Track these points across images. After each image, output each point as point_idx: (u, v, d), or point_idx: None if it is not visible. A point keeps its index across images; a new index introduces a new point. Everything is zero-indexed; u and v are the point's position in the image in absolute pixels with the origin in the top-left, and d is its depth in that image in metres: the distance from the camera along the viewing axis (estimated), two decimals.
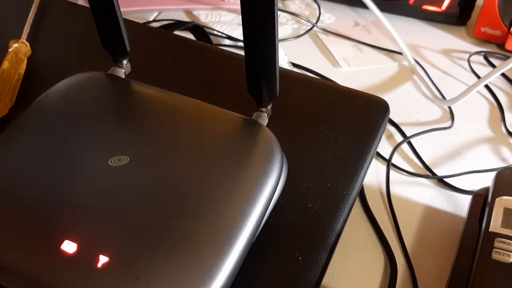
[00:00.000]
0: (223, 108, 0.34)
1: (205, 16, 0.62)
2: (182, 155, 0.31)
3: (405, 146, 0.48)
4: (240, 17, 0.48)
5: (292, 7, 0.66)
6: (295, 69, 0.55)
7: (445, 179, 0.45)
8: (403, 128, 0.49)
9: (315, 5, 0.66)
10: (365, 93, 0.43)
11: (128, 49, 0.37)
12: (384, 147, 0.48)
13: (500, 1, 0.57)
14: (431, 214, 0.42)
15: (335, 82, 0.52)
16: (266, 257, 0.32)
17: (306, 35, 0.61)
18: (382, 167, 0.46)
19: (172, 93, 0.35)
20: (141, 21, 0.59)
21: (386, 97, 0.43)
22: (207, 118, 0.34)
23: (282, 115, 0.40)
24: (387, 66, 0.57)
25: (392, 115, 0.50)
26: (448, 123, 0.51)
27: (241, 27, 0.30)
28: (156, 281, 0.25)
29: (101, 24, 0.36)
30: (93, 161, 0.30)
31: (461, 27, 0.63)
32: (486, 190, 0.39)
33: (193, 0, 0.64)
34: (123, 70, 0.38)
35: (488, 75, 0.49)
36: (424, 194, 0.44)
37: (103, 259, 0.26)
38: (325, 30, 0.62)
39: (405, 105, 0.52)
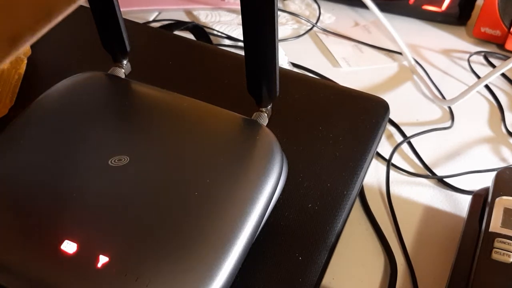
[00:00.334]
0: (223, 108, 0.34)
1: (205, 16, 0.62)
2: (182, 155, 0.31)
3: (405, 146, 0.48)
4: (240, 17, 0.48)
5: (292, 7, 0.66)
6: (295, 69, 0.55)
7: (445, 179, 0.45)
8: (403, 128, 0.49)
9: (315, 5, 0.66)
10: (365, 93, 0.43)
11: (128, 49, 0.37)
12: (384, 147, 0.48)
13: (500, 1, 0.57)
14: (431, 214, 0.42)
15: (335, 82, 0.52)
16: (266, 257, 0.32)
17: (306, 35, 0.61)
18: (382, 167, 0.46)
19: (172, 93, 0.35)
20: (141, 21, 0.59)
21: (386, 97, 0.43)
22: (207, 118, 0.34)
23: (282, 115, 0.40)
24: (387, 66, 0.57)
25: (392, 115, 0.50)
26: (448, 123, 0.51)
27: (241, 27, 0.30)
28: (156, 281, 0.25)
29: (101, 24, 0.36)
30: (93, 161, 0.30)
31: (461, 27, 0.63)
32: (486, 190, 0.39)
33: (193, 0, 0.64)
34: (123, 70, 0.38)
35: (488, 75, 0.49)
36: (424, 194, 0.44)
37: (103, 259, 0.26)
38: (325, 30, 0.62)
39: (405, 105, 0.52)
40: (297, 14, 0.64)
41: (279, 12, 0.57)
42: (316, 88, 0.43)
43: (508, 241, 0.33)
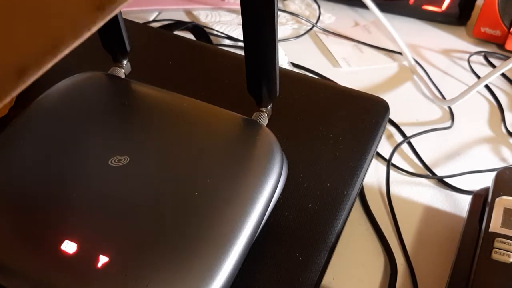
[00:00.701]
0: (223, 108, 0.34)
1: (205, 16, 0.62)
2: (181, 155, 0.31)
3: (405, 146, 0.48)
4: (240, 17, 0.48)
5: (292, 7, 0.66)
6: (295, 69, 0.55)
7: (445, 179, 0.45)
8: (403, 128, 0.49)
9: (315, 5, 0.66)
10: (365, 93, 0.43)
11: (128, 49, 0.37)
12: (384, 147, 0.48)
13: (500, 1, 0.57)
14: (431, 214, 0.42)
15: (335, 82, 0.52)
16: (266, 257, 0.32)
17: (306, 35, 0.61)
18: (382, 167, 0.46)
19: (172, 93, 0.35)
20: (141, 21, 0.59)
21: (386, 97, 0.43)
22: (207, 118, 0.34)
23: (282, 115, 0.40)
24: (387, 66, 0.57)
25: (392, 115, 0.50)
26: (448, 123, 0.51)
27: (241, 27, 0.30)
28: (156, 281, 0.25)
29: None
30: (93, 161, 0.30)
31: (461, 27, 0.63)
32: (486, 190, 0.39)
33: (193, 0, 0.64)
34: (123, 70, 0.38)
35: (488, 75, 0.49)
36: (424, 194, 0.44)
37: (103, 259, 0.26)
38: (325, 30, 0.62)
39: (405, 105, 0.52)
40: (297, 14, 0.64)
41: (279, 12, 0.57)
42: (316, 88, 0.43)
43: (508, 241, 0.33)
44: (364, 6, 0.60)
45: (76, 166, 0.30)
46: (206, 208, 0.28)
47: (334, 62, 0.57)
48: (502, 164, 0.47)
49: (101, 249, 0.26)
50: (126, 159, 0.30)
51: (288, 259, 0.32)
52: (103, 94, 0.36)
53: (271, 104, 0.35)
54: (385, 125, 0.42)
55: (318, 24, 0.63)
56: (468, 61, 0.58)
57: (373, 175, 0.45)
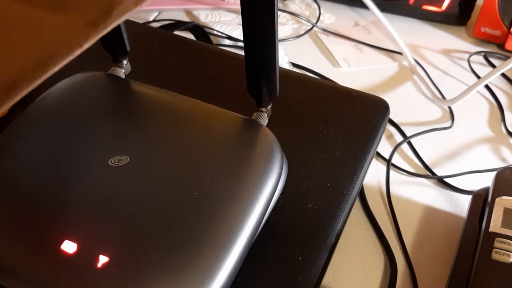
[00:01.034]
0: (223, 108, 0.34)
1: (205, 16, 0.62)
2: (181, 155, 0.31)
3: (405, 146, 0.48)
4: (240, 17, 0.48)
5: (292, 7, 0.66)
6: (295, 69, 0.55)
7: (445, 179, 0.45)
8: (403, 128, 0.49)
9: (315, 5, 0.66)
10: (365, 93, 0.43)
11: (128, 49, 0.37)
12: (384, 147, 0.48)
13: (500, 1, 0.57)
14: (431, 214, 0.42)
15: (335, 82, 0.52)
16: (266, 257, 0.32)
17: (306, 35, 0.61)
18: (382, 167, 0.46)
19: (172, 93, 0.35)
20: (141, 21, 0.59)
21: (386, 97, 0.43)
22: (207, 118, 0.34)
23: (282, 115, 0.40)
24: (387, 66, 0.57)
25: (392, 115, 0.50)
26: (448, 123, 0.51)
27: (241, 27, 0.30)
28: (156, 281, 0.25)
29: None
30: (93, 161, 0.30)
31: (461, 27, 0.63)
32: (486, 190, 0.39)
33: (193, 0, 0.64)
34: (123, 70, 0.38)
35: (488, 75, 0.49)
36: (424, 194, 0.44)
37: (103, 259, 0.26)
38: (325, 30, 0.62)
39: (405, 105, 0.52)
40: (297, 14, 0.64)
41: (279, 12, 0.57)
42: (316, 88, 0.43)
43: (508, 241, 0.33)
44: (364, 6, 0.60)
45: (76, 166, 0.30)
46: (206, 208, 0.28)
47: (334, 62, 0.57)
48: (502, 164, 0.47)
49: (101, 249, 0.26)
50: (126, 159, 0.30)
51: (288, 259, 0.32)
52: (103, 94, 0.36)
53: (271, 104, 0.35)
54: (385, 125, 0.42)
55: (318, 24, 0.63)
56: (468, 61, 0.58)
57: (373, 175, 0.45)
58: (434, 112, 0.52)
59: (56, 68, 0.15)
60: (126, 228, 0.27)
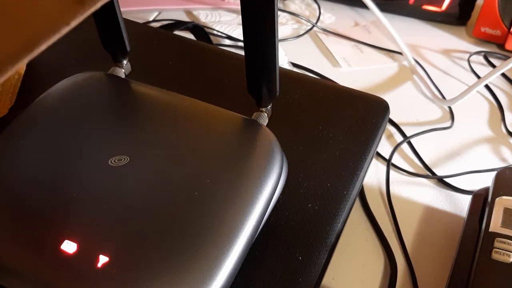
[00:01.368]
0: (223, 108, 0.34)
1: (205, 16, 0.62)
2: (181, 155, 0.31)
3: (405, 146, 0.48)
4: (240, 17, 0.48)
5: (292, 7, 0.66)
6: (295, 69, 0.55)
7: (445, 179, 0.45)
8: (403, 128, 0.49)
9: (315, 5, 0.66)
10: (365, 93, 0.43)
11: (128, 49, 0.37)
12: (384, 147, 0.48)
13: (500, 1, 0.57)
14: (431, 214, 0.42)
15: (335, 82, 0.52)
16: (266, 257, 0.32)
17: (306, 35, 0.61)
18: (382, 167, 0.46)
19: (172, 93, 0.35)
20: (141, 21, 0.59)
21: (386, 97, 0.43)
22: (207, 118, 0.34)
23: (282, 115, 0.40)
24: (387, 66, 0.57)
25: (392, 115, 0.50)
26: (448, 123, 0.51)
27: (241, 27, 0.30)
28: (156, 280, 0.25)
29: (101, 24, 0.36)
30: (93, 161, 0.30)
31: (461, 27, 0.63)
32: (486, 190, 0.39)
33: (193, 0, 0.64)
34: (123, 70, 0.38)
35: (488, 75, 0.49)
36: (424, 194, 0.44)
37: (103, 259, 0.26)
38: (325, 30, 0.62)
39: (405, 105, 0.52)
40: (297, 14, 0.64)
41: (279, 12, 0.57)
42: (316, 88, 0.43)
43: (508, 241, 0.33)
44: (364, 6, 0.60)
45: (76, 166, 0.30)
46: (206, 208, 0.28)
47: (334, 62, 0.57)
48: (502, 164, 0.47)
49: (101, 249, 0.26)
50: (126, 159, 0.30)
51: (288, 259, 0.32)
52: (103, 94, 0.36)
53: (271, 104, 0.35)
54: (385, 125, 0.42)
55: (318, 24, 0.63)
56: (468, 61, 0.58)
57: (373, 175, 0.45)
58: (434, 112, 0.52)
59: (43, 47, 0.14)
60: (126, 228, 0.27)
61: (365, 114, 0.41)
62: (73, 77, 0.36)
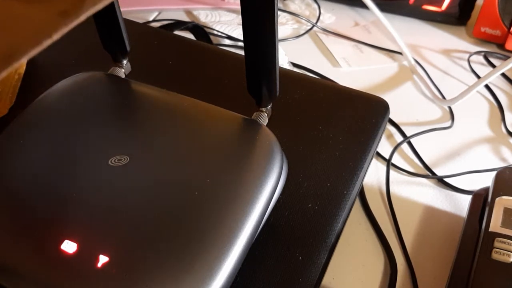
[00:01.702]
0: (223, 108, 0.34)
1: (205, 16, 0.62)
2: (181, 155, 0.31)
3: (405, 146, 0.48)
4: (240, 17, 0.48)
5: (292, 7, 0.66)
6: (295, 69, 0.55)
7: (445, 179, 0.45)
8: (403, 128, 0.49)
9: (315, 5, 0.66)
10: (365, 93, 0.43)
11: (128, 49, 0.37)
12: (384, 147, 0.48)
13: (500, 1, 0.57)
14: (431, 214, 0.42)
15: (335, 82, 0.52)
16: (266, 257, 0.32)
17: (306, 35, 0.61)
18: (382, 167, 0.46)
19: (172, 93, 0.35)
20: (141, 21, 0.59)
21: (386, 97, 0.43)
22: (207, 118, 0.34)
23: (282, 115, 0.40)
24: (387, 66, 0.57)
25: (392, 115, 0.50)
26: (448, 123, 0.51)
27: (241, 27, 0.30)
28: (156, 281, 0.25)
29: (101, 24, 0.36)
30: (93, 161, 0.30)
31: (461, 27, 0.63)
32: (486, 190, 0.39)
33: (193, 0, 0.64)
34: (123, 70, 0.38)
35: (488, 75, 0.49)
36: (424, 194, 0.44)
37: (103, 259, 0.26)
38: (325, 30, 0.62)
39: (405, 105, 0.52)
40: (297, 14, 0.64)
41: (279, 12, 0.57)
42: (316, 88, 0.43)
43: (508, 241, 0.33)
44: (364, 6, 0.60)
45: (76, 166, 0.30)
46: (206, 208, 0.28)
47: (334, 62, 0.57)
48: (502, 164, 0.47)
49: (101, 249, 0.26)
50: (126, 159, 0.30)
51: (288, 259, 0.32)
52: (103, 94, 0.36)
53: (271, 104, 0.35)
54: (385, 125, 0.42)
55: (318, 24, 0.63)
56: (468, 61, 0.58)
57: (373, 175, 0.45)
58: (434, 112, 0.52)
59: (23, 59, 0.14)
60: (126, 228, 0.27)
61: (365, 114, 0.41)
62: (73, 77, 0.36)
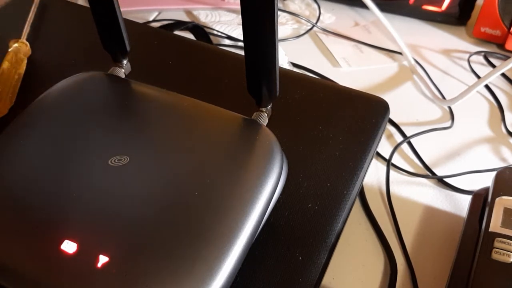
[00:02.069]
0: (223, 108, 0.34)
1: (205, 16, 0.62)
2: (181, 155, 0.31)
3: (405, 146, 0.48)
4: (240, 17, 0.48)
5: (292, 7, 0.66)
6: (295, 69, 0.55)
7: (445, 179, 0.45)
8: (403, 128, 0.49)
9: (315, 5, 0.66)
10: (365, 93, 0.43)
11: (128, 49, 0.37)
12: (384, 147, 0.48)
13: (500, 1, 0.57)
14: (431, 214, 0.42)
15: (335, 82, 0.52)
16: (266, 257, 0.32)
17: (306, 35, 0.61)
18: (382, 167, 0.46)
19: (172, 93, 0.35)
20: (141, 21, 0.59)
21: (386, 97, 0.43)
22: (207, 118, 0.34)
23: (282, 115, 0.40)
24: (387, 66, 0.57)
25: (392, 115, 0.50)
26: (448, 123, 0.51)
27: (241, 27, 0.30)
28: (156, 281, 0.25)
29: (101, 24, 0.36)
30: (93, 161, 0.30)
31: (461, 27, 0.63)
32: (486, 190, 0.39)
33: (193, 0, 0.64)
34: (123, 70, 0.38)
35: (488, 75, 0.49)
36: (424, 194, 0.44)
37: (103, 259, 0.26)
38: (325, 30, 0.62)
39: (405, 105, 0.52)
40: (297, 14, 0.64)
41: (279, 12, 0.57)
42: (316, 88, 0.43)
43: (508, 241, 0.33)
44: (364, 6, 0.60)
45: (76, 166, 0.30)
46: (206, 208, 0.28)
47: (334, 62, 0.57)
48: (502, 164, 0.47)
49: (101, 249, 0.26)
50: (126, 159, 0.30)
51: (288, 259, 0.32)
52: (103, 94, 0.36)
53: (271, 104, 0.35)
54: (385, 125, 0.42)
55: (318, 24, 0.63)
56: (468, 61, 0.58)
57: (373, 175, 0.45)
58: (434, 112, 0.52)
59: None
60: (126, 228, 0.27)
61: (365, 114, 0.41)
62: (73, 77, 0.36)
